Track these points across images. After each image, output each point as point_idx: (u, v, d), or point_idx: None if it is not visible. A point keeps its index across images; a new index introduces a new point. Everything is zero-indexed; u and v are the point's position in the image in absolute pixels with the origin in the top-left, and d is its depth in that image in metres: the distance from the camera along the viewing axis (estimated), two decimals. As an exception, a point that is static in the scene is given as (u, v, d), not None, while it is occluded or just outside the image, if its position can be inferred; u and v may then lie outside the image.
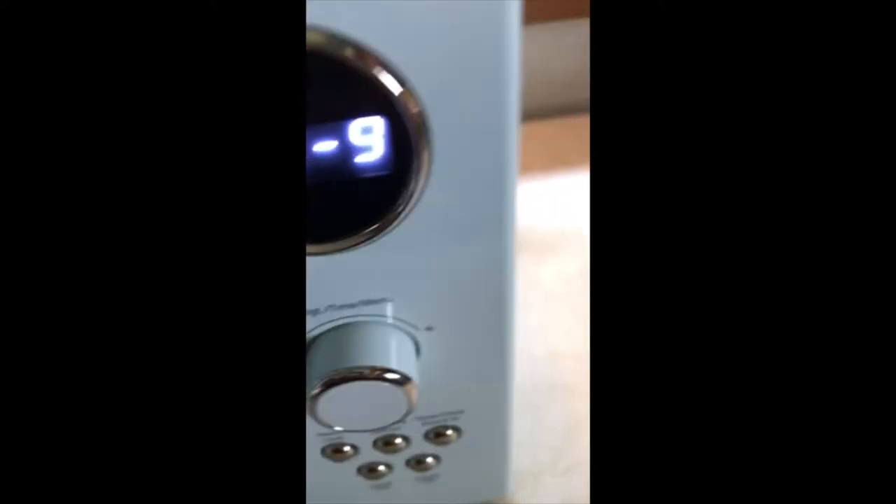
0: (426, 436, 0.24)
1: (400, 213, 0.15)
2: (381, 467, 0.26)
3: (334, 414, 0.18)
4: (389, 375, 0.18)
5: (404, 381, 0.18)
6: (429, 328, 0.19)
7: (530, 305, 0.45)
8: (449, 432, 0.24)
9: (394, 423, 0.19)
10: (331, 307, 0.18)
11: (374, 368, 0.18)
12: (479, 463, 0.27)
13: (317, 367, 0.18)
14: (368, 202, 0.15)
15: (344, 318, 0.18)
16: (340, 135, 0.14)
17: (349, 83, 0.13)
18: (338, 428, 0.19)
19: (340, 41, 0.12)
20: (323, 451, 0.24)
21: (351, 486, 0.26)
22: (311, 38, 0.12)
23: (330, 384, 0.18)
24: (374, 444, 0.24)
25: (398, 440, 0.24)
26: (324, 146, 0.14)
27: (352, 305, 0.18)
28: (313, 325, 0.18)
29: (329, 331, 0.18)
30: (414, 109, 0.14)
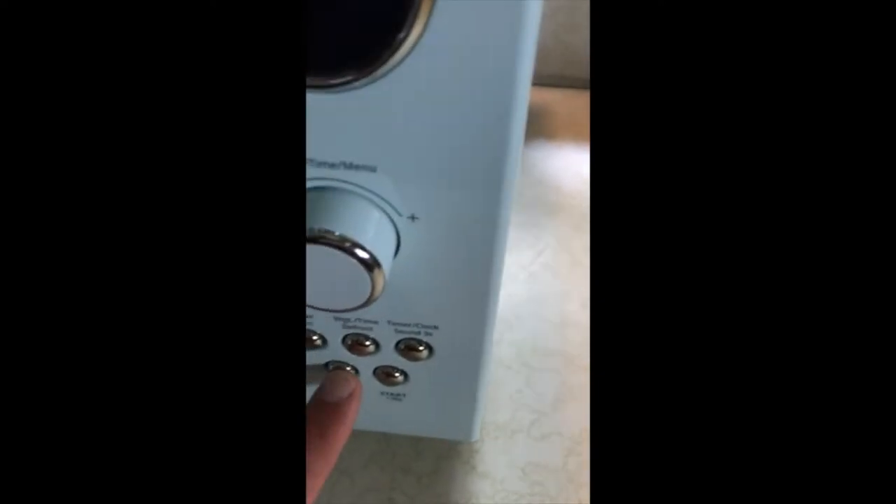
0: (397, 346, 0.23)
1: (392, 57, 0.14)
2: (348, 369, 0.25)
3: (294, 278, 0.17)
4: (359, 252, 0.17)
5: (374, 264, 0.17)
6: (413, 217, 0.18)
7: (553, 270, 0.43)
8: (421, 349, 0.23)
9: (351, 310, 0.18)
10: (311, 161, 0.16)
11: (344, 238, 0.16)
12: (448, 396, 0.26)
13: (286, 225, 0.17)
14: (367, 27, 0.13)
15: (324, 179, 0.17)
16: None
17: None
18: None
19: None
20: (291, 334, 0.23)
21: (317, 383, 0.26)
22: None
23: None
24: (344, 340, 0.23)
25: (368, 343, 0.23)
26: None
27: (332, 165, 0.16)
28: (292, 180, 0.17)
29: (312, 190, 0.17)
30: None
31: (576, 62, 0.54)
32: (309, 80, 0.14)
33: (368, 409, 0.27)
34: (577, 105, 0.55)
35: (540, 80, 0.55)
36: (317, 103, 0.15)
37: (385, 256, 0.17)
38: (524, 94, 0.15)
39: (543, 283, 0.43)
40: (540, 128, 0.53)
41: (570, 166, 0.50)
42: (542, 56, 0.53)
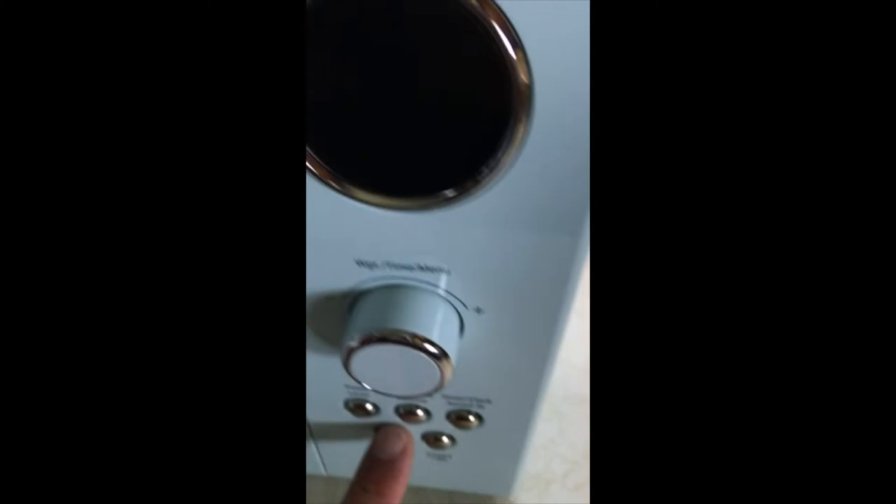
0: (448, 416, 0.24)
1: (479, 184, 0.14)
2: (397, 430, 0.26)
3: (366, 371, 0.18)
4: (429, 347, 0.17)
5: (442, 356, 0.18)
6: (478, 310, 0.18)
7: (581, 313, 0.44)
8: (471, 418, 0.24)
9: (421, 395, 0.19)
10: (388, 264, 0.17)
11: (415, 336, 0.17)
12: (492, 457, 0.27)
13: (360, 320, 0.18)
14: (451, 164, 0.14)
15: (398, 277, 0.18)
16: (441, 86, 0.13)
17: (464, 35, 0.12)
18: (366, 386, 0.19)
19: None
20: (346, 404, 0.24)
21: (365, 443, 0.27)
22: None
23: (368, 341, 0.17)
24: (397, 410, 0.24)
25: (420, 412, 0.24)
26: (423, 95, 0.13)
27: (409, 268, 0.17)
28: (367, 278, 0.18)
29: (380, 287, 0.18)
30: (523, 79, 0.13)
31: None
32: (401, 203, 0.15)
33: (414, 467, 0.28)
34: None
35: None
36: (399, 218, 0.16)
37: (452, 347, 0.18)
38: (587, 231, 0.16)
39: (570, 328, 0.43)
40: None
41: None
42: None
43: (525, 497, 0.34)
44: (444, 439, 0.26)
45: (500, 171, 0.14)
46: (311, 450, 0.28)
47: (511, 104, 0.13)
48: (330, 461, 0.29)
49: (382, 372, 0.18)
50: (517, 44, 0.12)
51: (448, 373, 0.18)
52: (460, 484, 0.30)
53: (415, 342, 0.17)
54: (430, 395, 0.19)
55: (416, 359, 0.17)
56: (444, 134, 0.14)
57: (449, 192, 0.15)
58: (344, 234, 0.16)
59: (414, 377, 0.18)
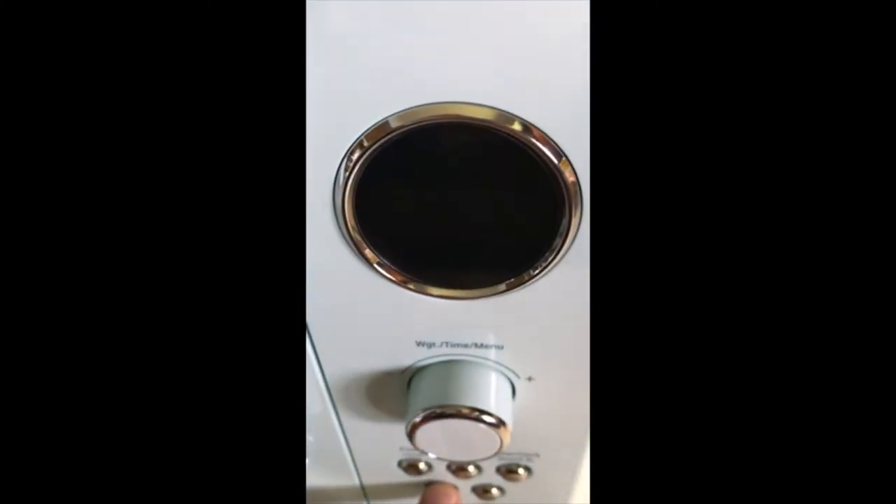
0: (498, 469, 0.25)
1: (530, 279, 0.16)
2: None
3: (430, 443, 0.19)
4: (486, 418, 0.19)
5: (499, 424, 0.19)
6: (530, 378, 0.20)
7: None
8: (520, 471, 0.25)
9: (483, 460, 0.20)
10: (446, 343, 0.19)
11: (473, 409, 0.18)
12: (540, 501, 0.28)
13: (421, 396, 0.19)
14: (503, 264, 0.16)
15: (455, 355, 0.19)
16: (499, 198, 0.15)
17: (514, 153, 0.14)
18: (431, 455, 0.20)
19: (508, 116, 0.13)
20: (400, 464, 0.25)
21: (414, 496, 0.28)
22: (482, 113, 0.13)
23: (431, 417, 0.19)
24: (448, 466, 0.25)
25: (471, 468, 0.25)
26: (473, 208, 0.15)
27: (465, 346, 0.19)
28: (426, 356, 0.19)
29: (438, 363, 0.19)
30: (570, 179, 0.14)
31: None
32: (466, 293, 0.16)
33: (463, 518, 0.29)
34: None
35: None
36: (464, 305, 0.17)
37: (507, 414, 0.19)
38: None
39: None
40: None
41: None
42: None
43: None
44: (494, 491, 0.27)
45: (548, 267, 0.16)
46: (363, 505, 0.29)
47: (563, 201, 0.14)
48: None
49: (445, 442, 0.19)
50: (560, 154, 0.14)
51: (506, 438, 0.19)
52: (508, 530, 0.31)
53: (473, 415, 0.18)
54: (490, 458, 0.20)
55: (476, 429, 0.19)
56: (497, 242, 0.15)
57: (501, 287, 0.16)
58: (407, 320, 0.18)
59: (475, 444, 0.19)
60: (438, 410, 0.18)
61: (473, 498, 0.27)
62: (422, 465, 0.25)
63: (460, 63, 0.13)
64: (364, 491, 0.28)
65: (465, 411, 0.18)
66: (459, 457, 0.20)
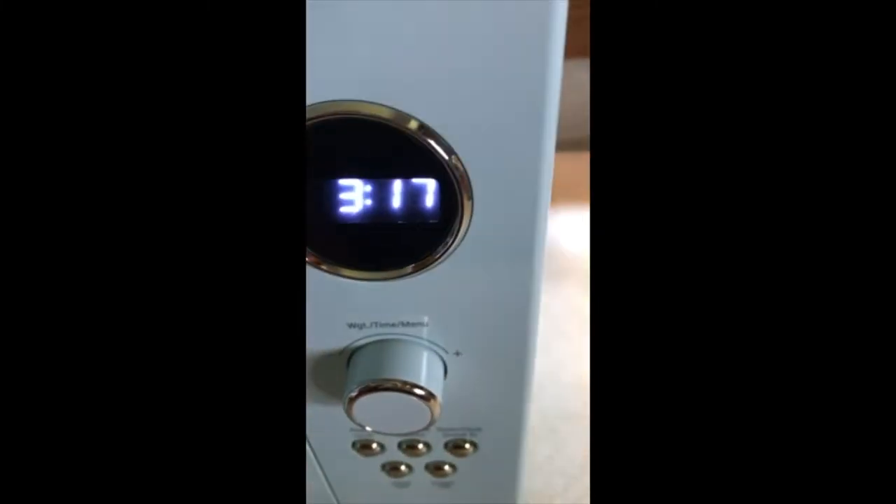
0: (446, 446, 0.27)
1: (441, 254, 0.18)
2: (403, 467, 0.28)
3: (367, 416, 0.21)
4: (417, 391, 0.20)
5: (430, 397, 0.21)
6: (457, 353, 0.21)
7: (566, 334, 0.47)
8: (467, 446, 0.26)
9: (417, 432, 0.21)
10: (375, 324, 0.20)
11: (405, 382, 0.20)
12: (491, 479, 0.29)
13: (357, 373, 0.21)
14: (416, 243, 0.17)
15: (385, 334, 0.21)
16: (400, 189, 0.16)
17: (410, 149, 0.16)
18: (368, 428, 0.22)
19: (405, 116, 0.15)
20: (353, 445, 0.27)
21: (374, 481, 0.29)
22: (380, 111, 0.15)
23: (366, 390, 0.20)
24: (399, 445, 0.27)
25: (420, 445, 0.27)
26: (384, 198, 0.17)
27: (392, 325, 0.20)
28: (358, 337, 0.21)
29: (371, 343, 0.21)
30: (459, 170, 0.16)
31: (570, 125, 0.57)
32: (378, 275, 0.18)
33: (421, 498, 0.30)
34: (571, 168, 0.59)
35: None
36: (380, 286, 0.19)
37: (437, 387, 0.21)
38: (541, 262, 0.19)
39: (557, 348, 0.46)
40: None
41: (570, 230, 0.54)
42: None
43: (531, 513, 0.36)
44: (446, 468, 0.28)
45: (450, 250, 0.17)
46: (326, 493, 0.31)
47: (455, 190, 0.16)
48: (345, 502, 0.32)
49: (381, 415, 0.21)
50: (450, 151, 0.16)
51: (437, 411, 0.21)
52: (468, 507, 0.32)
53: (405, 388, 0.20)
54: (424, 430, 0.22)
55: (408, 402, 0.20)
56: (400, 228, 0.17)
57: (410, 268, 0.18)
58: (335, 304, 0.19)
59: (408, 417, 0.21)
60: (372, 384, 0.20)
61: (428, 476, 0.29)
62: (374, 446, 0.27)
63: (362, 64, 0.14)
64: (324, 474, 0.29)
65: (398, 384, 0.20)
66: (396, 429, 0.22)
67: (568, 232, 0.53)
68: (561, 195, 0.58)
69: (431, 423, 0.21)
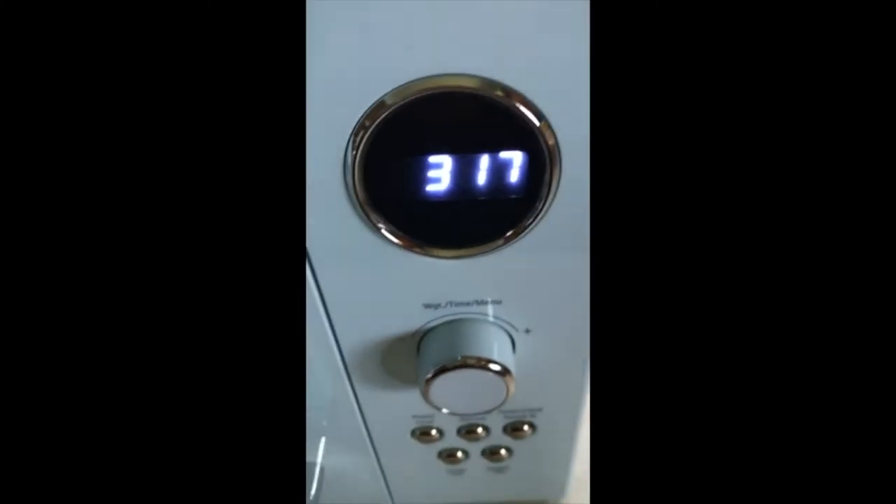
0: (505, 429, 0.27)
1: (523, 231, 0.18)
2: (459, 453, 0.29)
3: (443, 397, 0.21)
4: (493, 366, 0.21)
5: (504, 372, 0.21)
6: (527, 330, 0.22)
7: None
8: (525, 427, 0.27)
9: (493, 410, 0.22)
10: (450, 303, 0.21)
11: (480, 359, 0.21)
12: (546, 462, 0.30)
13: (431, 354, 0.21)
14: (499, 219, 0.18)
15: (459, 314, 0.21)
16: (486, 164, 0.17)
17: (498, 118, 0.16)
18: (444, 410, 0.22)
19: (492, 84, 0.16)
20: (413, 433, 0.27)
21: (429, 470, 0.29)
22: (467, 82, 0.16)
23: (441, 370, 0.21)
24: (459, 431, 0.27)
25: (480, 430, 0.27)
26: (470, 171, 0.17)
27: (467, 304, 0.21)
28: (433, 318, 0.21)
29: (442, 324, 0.21)
30: (550, 141, 0.16)
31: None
32: (459, 253, 0.19)
33: (475, 483, 0.31)
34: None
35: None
36: (459, 265, 0.19)
37: (509, 362, 0.22)
38: None
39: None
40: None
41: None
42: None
43: (574, 497, 0.36)
44: (503, 451, 0.29)
45: (532, 226, 0.18)
46: (381, 486, 0.31)
47: (544, 162, 0.17)
48: (398, 494, 0.32)
49: (456, 395, 0.21)
50: (541, 116, 0.16)
51: (511, 386, 0.21)
52: (519, 493, 0.33)
53: (480, 364, 0.20)
54: (499, 407, 0.22)
55: (484, 377, 0.21)
56: (491, 201, 0.18)
57: (499, 242, 0.18)
58: (413, 284, 0.20)
59: (485, 394, 0.21)
60: (448, 365, 0.20)
61: (483, 462, 0.29)
62: (433, 432, 0.27)
63: (445, 38, 0.15)
64: (380, 467, 0.29)
65: (472, 361, 0.20)
66: (471, 409, 0.22)
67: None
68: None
69: (506, 399, 0.22)
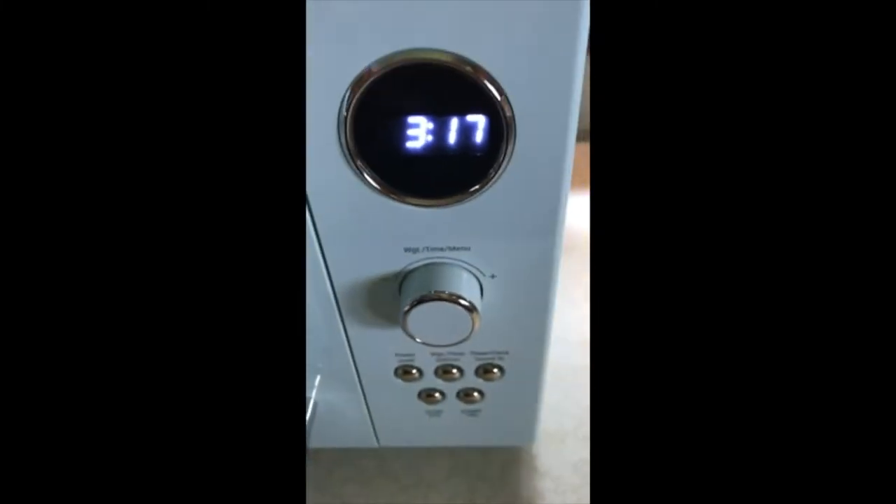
0: (476, 371, 0.31)
1: (487, 184, 0.22)
2: (437, 394, 0.32)
3: (418, 327, 0.25)
4: (462, 301, 0.24)
5: (472, 308, 0.25)
6: (492, 276, 0.26)
7: (572, 300, 0.51)
8: (495, 370, 0.31)
9: (460, 342, 0.26)
10: (427, 248, 0.24)
11: (451, 294, 0.24)
12: (514, 406, 0.33)
13: (410, 291, 0.25)
14: (466, 174, 0.22)
15: (434, 258, 0.25)
16: (456, 125, 0.21)
17: (465, 89, 0.20)
18: (419, 340, 0.26)
19: (463, 60, 0.19)
20: (396, 371, 0.31)
21: (410, 409, 0.33)
22: (443, 56, 0.19)
23: (418, 302, 0.24)
24: (436, 371, 0.31)
25: (454, 370, 0.31)
26: (442, 131, 0.21)
27: (441, 249, 0.24)
28: (413, 261, 0.25)
29: (421, 266, 0.25)
30: (508, 112, 0.20)
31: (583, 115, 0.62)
32: (428, 202, 0.22)
33: (451, 426, 0.34)
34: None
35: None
36: (434, 213, 0.23)
37: (476, 301, 0.25)
38: (566, 197, 0.23)
39: (564, 311, 0.51)
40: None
41: (576, 211, 0.59)
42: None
43: (545, 450, 0.40)
44: (475, 394, 0.32)
45: (493, 181, 0.22)
46: (366, 424, 0.35)
47: (502, 127, 0.21)
48: (382, 433, 0.36)
49: (429, 326, 0.25)
50: (502, 91, 0.20)
51: (477, 322, 0.25)
52: (491, 439, 0.36)
53: (451, 298, 0.24)
54: (466, 340, 0.26)
55: (454, 311, 0.24)
56: (463, 162, 0.21)
57: (464, 193, 0.22)
58: (396, 230, 0.24)
59: (453, 326, 0.25)
60: (423, 297, 0.24)
61: (459, 404, 0.33)
62: (414, 371, 0.31)
63: (427, 18, 0.19)
64: (366, 404, 0.33)
65: (444, 296, 0.24)
66: (441, 339, 0.26)
67: (574, 213, 0.58)
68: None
69: (472, 333, 0.25)
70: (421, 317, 0.25)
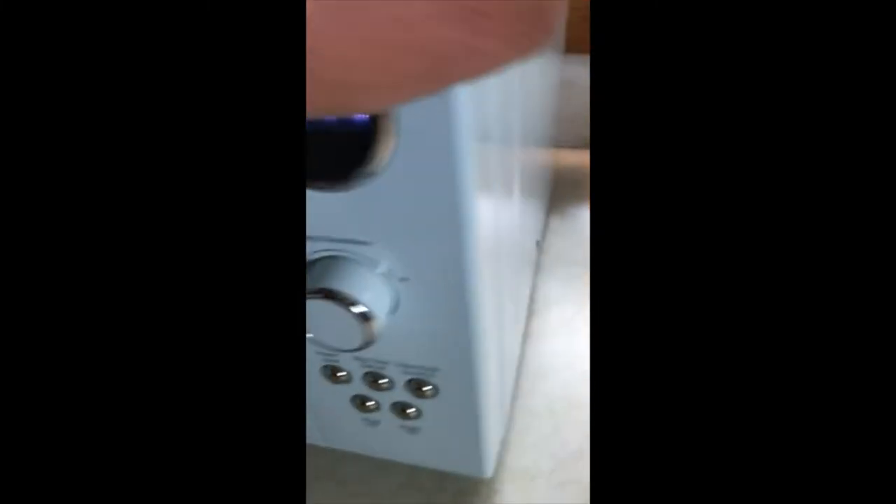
0: (407, 384, 0.27)
1: (374, 167, 0.18)
2: (371, 402, 0.29)
3: (311, 322, 0.22)
4: (354, 309, 0.21)
5: (365, 317, 0.22)
6: (403, 279, 0.22)
7: (577, 330, 0.45)
8: (427, 388, 0.27)
9: (352, 351, 0.23)
10: (324, 238, 0.22)
11: (345, 296, 0.21)
12: (455, 430, 0.30)
13: (308, 280, 0.22)
14: (348, 155, 0.18)
15: (336, 250, 0.22)
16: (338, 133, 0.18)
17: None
18: (309, 335, 0.23)
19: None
20: (323, 371, 0.28)
21: (347, 415, 0.31)
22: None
23: (311, 294, 0.22)
24: (364, 377, 0.28)
25: (383, 380, 0.28)
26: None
27: (340, 241, 0.21)
28: (313, 250, 0.22)
29: (326, 257, 0.22)
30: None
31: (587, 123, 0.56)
32: (325, 185, 0.19)
33: (390, 439, 0.31)
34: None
35: (575, 144, 0.58)
36: (326, 198, 0.20)
37: (381, 311, 0.22)
38: (473, 185, 0.19)
39: (584, 335, 0.45)
40: (578, 191, 0.55)
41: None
42: (582, 122, 0.56)
43: (510, 487, 0.36)
44: (411, 410, 0.29)
45: (379, 163, 0.18)
46: (313, 422, 0.33)
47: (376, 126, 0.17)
48: (325, 431, 0.34)
49: (321, 325, 0.22)
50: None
51: (371, 333, 0.22)
52: (438, 462, 0.33)
53: (343, 301, 0.21)
54: (358, 350, 0.22)
55: (343, 316, 0.21)
56: (343, 140, 0.18)
57: (353, 176, 0.19)
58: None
59: (343, 333, 0.22)
60: (314, 290, 0.21)
61: (395, 419, 0.30)
62: (342, 374, 0.28)
63: None
64: (308, 405, 0.31)
65: (335, 295, 0.21)
66: (332, 342, 0.23)
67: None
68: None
69: (363, 345, 0.22)
70: (312, 312, 0.22)
